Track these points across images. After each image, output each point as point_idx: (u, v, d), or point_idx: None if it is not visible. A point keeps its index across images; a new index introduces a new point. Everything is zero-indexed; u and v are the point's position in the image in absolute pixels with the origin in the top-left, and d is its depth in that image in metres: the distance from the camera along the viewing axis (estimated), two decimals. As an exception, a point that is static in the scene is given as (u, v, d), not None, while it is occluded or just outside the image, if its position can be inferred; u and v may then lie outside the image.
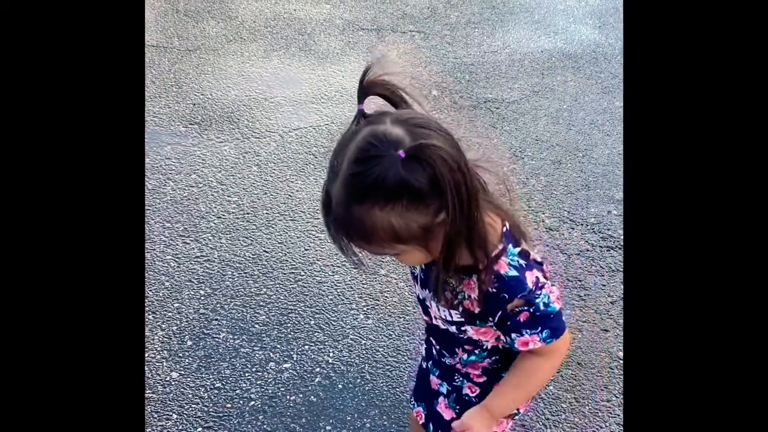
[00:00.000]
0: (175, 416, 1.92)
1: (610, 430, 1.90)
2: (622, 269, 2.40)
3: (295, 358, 2.10)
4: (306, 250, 2.48)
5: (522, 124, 3.18)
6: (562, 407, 1.96)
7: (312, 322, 2.21)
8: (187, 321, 2.20)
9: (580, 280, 2.36)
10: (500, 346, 1.26)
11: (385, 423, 1.91)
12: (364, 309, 2.26)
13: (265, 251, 2.48)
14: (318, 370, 2.06)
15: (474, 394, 1.35)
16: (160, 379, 2.01)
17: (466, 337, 1.24)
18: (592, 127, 3.17)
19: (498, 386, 1.28)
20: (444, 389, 1.39)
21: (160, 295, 2.28)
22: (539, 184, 2.81)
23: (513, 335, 1.15)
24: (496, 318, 1.14)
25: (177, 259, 2.43)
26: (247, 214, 2.64)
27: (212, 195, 2.73)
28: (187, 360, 2.08)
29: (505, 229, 1.12)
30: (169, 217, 2.61)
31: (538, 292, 1.11)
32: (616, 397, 1.98)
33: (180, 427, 1.89)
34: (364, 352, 2.11)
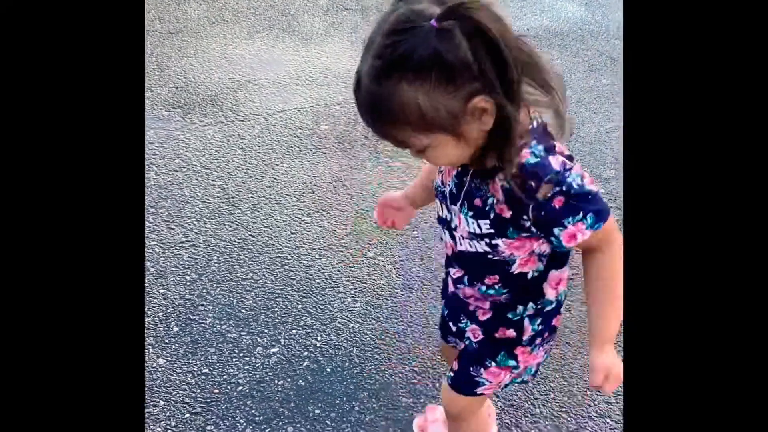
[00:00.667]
0: (162, 402, 1.90)
1: (598, 409, 1.90)
2: (609, 248, 2.39)
3: (282, 343, 2.08)
4: (292, 233, 2.46)
5: (508, 104, 3.16)
6: (550, 386, 1.96)
7: (299, 306, 2.20)
8: (173, 307, 2.18)
9: (568, 260, 2.35)
10: (528, 274, 1.20)
11: (374, 406, 1.90)
12: (352, 292, 2.24)
13: (251, 235, 2.45)
14: (306, 354, 2.05)
15: (476, 340, 1.35)
16: (147, 366, 1.99)
17: (496, 257, 1.17)
18: (578, 105, 3.15)
19: (593, 314, 1.13)
20: (453, 328, 1.41)
21: (146, 281, 2.26)
22: (526, 163, 2.79)
23: (556, 230, 1.06)
24: (531, 215, 1.06)
25: (162, 245, 2.40)
26: (232, 198, 2.62)
27: (196, 179, 2.70)
28: (173, 346, 2.06)
29: (533, 125, 1.05)
30: (153, 202, 2.58)
31: (568, 173, 1.03)
32: (605, 376, 1.98)
33: (167, 414, 1.88)
34: (352, 335, 2.10)
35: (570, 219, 1.05)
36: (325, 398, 1.93)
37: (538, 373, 1.46)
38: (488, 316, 1.32)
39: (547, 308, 1.30)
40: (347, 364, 2.02)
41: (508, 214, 1.09)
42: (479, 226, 1.14)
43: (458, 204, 1.16)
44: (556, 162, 1.03)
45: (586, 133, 2.97)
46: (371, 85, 0.95)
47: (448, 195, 1.20)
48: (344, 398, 1.93)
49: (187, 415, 1.88)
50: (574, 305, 2.19)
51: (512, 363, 1.35)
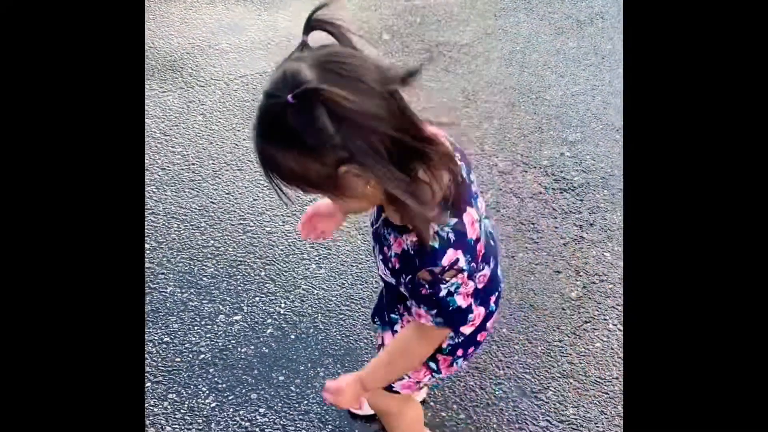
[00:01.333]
0: (122, 373, 1.87)
1: (561, 369, 1.90)
2: (574, 211, 2.39)
3: (245, 310, 2.05)
4: (254, 200, 2.42)
5: (474, 67, 3.12)
6: (514, 348, 1.96)
7: (262, 273, 2.16)
8: (132, 276, 2.13)
9: (533, 223, 2.35)
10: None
11: (339, 371, 1.89)
12: (316, 259, 2.21)
13: (212, 202, 2.40)
14: (269, 321, 2.02)
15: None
16: (106, 336, 1.95)
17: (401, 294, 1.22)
18: (545, 68, 3.13)
19: (373, 360, 1.27)
20: (386, 317, 1.39)
21: (104, 250, 2.20)
22: (492, 127, 2.77)
23: (413, 301, 1.13)
24: (407, 279, 1.09)
25: (120, 213, 2.34)
26: (193, 164, 2.56)
27: (156, 146, 2.63)
28: (133, 316, 2.02)
29: (448, 193, 1.03)
30: (111, 170, 2.51)
31: (447, 278, 1.05)
32: (568, 337, 1.98)
33: (127, 384, 1.84)
34: (317, 302, 2.08)
35: (424, 307, 1.11)
36: (289, 365, 1.91)
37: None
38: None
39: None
40: (312, 330, 2.00)
41: (397, 267, 1.11)
42: (386, 271, 1.15)
43: (377, 244, 1.18)
44: (448, 258, 1.03)
45: (552, 96, 2.95)
46: (256, 144, 0.95)
47: (372, 233, 1.21)
48: (309, 364, 1.91)
49: (149, 384, 1.85)
50: (537, 268, 2.19)
51: (433, 365, 1.33)
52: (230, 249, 2.24)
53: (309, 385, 1.86)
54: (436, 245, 1.03)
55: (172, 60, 3.10)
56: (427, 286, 1.07)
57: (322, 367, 1.90)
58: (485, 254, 1.16)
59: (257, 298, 2.09)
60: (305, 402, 1.82)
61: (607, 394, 1.86)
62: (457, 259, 1.04)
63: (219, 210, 2.37)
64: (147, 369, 1.88)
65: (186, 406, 1.81)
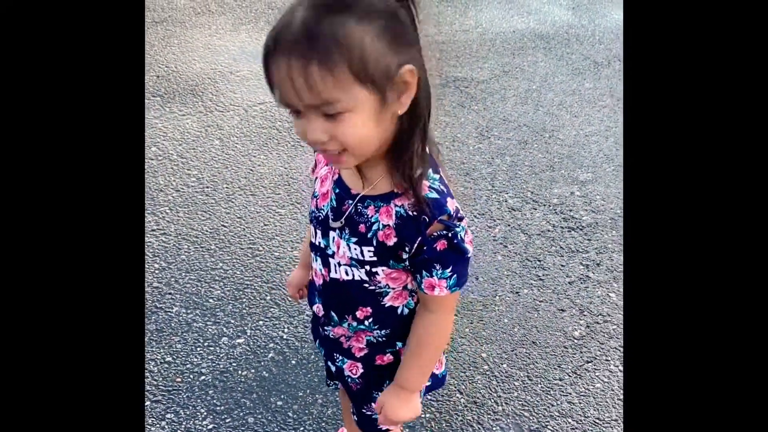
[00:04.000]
0: (123, 390, 1.89)
1: (560, 408, 1.89)
2: (581, 250, 2.39)
3: (248, 333, 2.07)
4: (265, 225, 2.45)
5: (490, 104, 3.16)
6: (514, 385, 1.95)
7: (268, 297, 2.18)
8: (139, 294, 2.16)
9: (539, 260, 2.35)
10: (398, 309, 1.18)
11: (337, 399, 1.89)
12: (321, 285, 2.23)
13: (223, 225, 2.44)
14: (271, 345, 2.04)
15: (356, 375, 1.28)
16: (110, 353, 1.98)
17: (371, 288, 1.14)
18: (560, 108, 3.16)
19: (403, 358, 1.21)
20: (333, 368, 1.33)
21: (114, 268, 2.24)
22: (504, 163, 2.79)
23: (423, 273, 1.07)
24: (413, 247, 1.05)
25: (132, 232, 2.38)
26: (207, 188, 2.60)
27: (172, 168, 2.68)
28: (138, 334, 2.04)
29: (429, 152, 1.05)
30: (126, 189, 2.56)
31: (458, 222, 1.04)
32: (569, 376, 1.98)
33: (127, 401, 1.86)
34: (319, 328, 2.09)
35: (438, 271, 1.06)
36: (288, 390, 1.92)
37: (444, 383, 1.40)
38: (365, 352, 1.25)
39: None
40: (312, 356, 2.01)
41: (392, 241, 1.07)
42: (362, 253, 1.10)
43: (338, 230, 1.13)
44: (452, 205, 1.04)
45: (566, 135, 2.97)
46: (311, 22, 0.88)
47: (323, 220, 1.16)
48: (307, 390, 1.92)
49: (148, 403, 1.87)
50: (542, 305, 2.19)
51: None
52: (238, 272, 2.26)
53: (306, 411, 1.87)
54: (437, 196, 1.02)
55: (193, 84, 3.17)
56: (445, 233, 1.03)
57: (321, 394, 1.91)
58: None
59: (261, 322, 2.10)
60: (302, 428, 1.83)
61: (605, 435, 1.84)
62: (458, 208, 1.04)
63: (230, 233, 2.41)
64: (147, 388, 1.90)
65: (183, 427, 1.82)
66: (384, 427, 1.31)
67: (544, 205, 2.59)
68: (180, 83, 3.18)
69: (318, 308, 1.25)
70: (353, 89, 0.91)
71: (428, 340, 1.17)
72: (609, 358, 2.03)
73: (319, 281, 1.22)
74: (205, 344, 2.03)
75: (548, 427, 1.86)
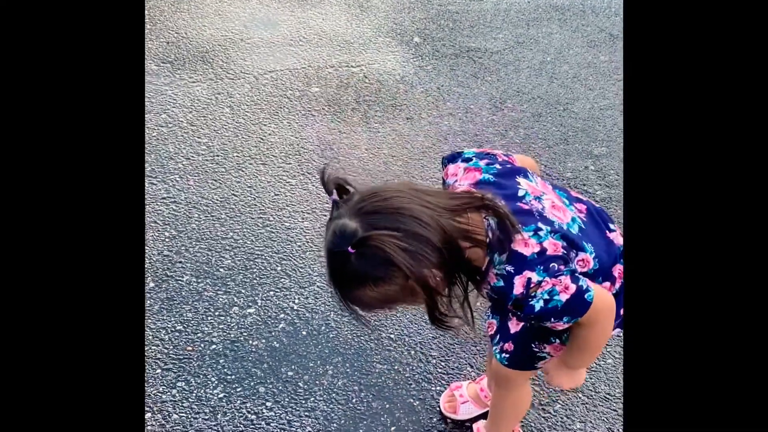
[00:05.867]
0: (134, 358, 1.89)
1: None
2: (595, 225, 2.37)
3: (259, 304, 2.06)
4: (276, 195, 2.43)
5: (504, 75, 3.11)
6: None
7: (278, 268, 2.17)
8: (150, 262, 2.16)
9: (552, 235, 2.33)
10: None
11: (348, 370, 1.89)
12: (332, 256, 2.21)
13: (233, 194, 2.42)
14: (282, 316, 2.03)
15: None
16: (120, 320, 1.98)
17: None
18: (574, 80, 3.11)
19: (567, 348, 1.36)
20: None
21: (124, 235, 2.23)
22: (517, 136, 2.76)
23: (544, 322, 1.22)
24: (512, 314, 1.28)
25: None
26: (217, 156, 2.58)
27: (182, 136, 2.66)
28: (148, 302, 2.04)
29: (489, 238, 1.15)
30: (136, 156, 2.54)
31: (533, 294, 1.14)
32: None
33: (138, 369, 1.86)
34: (330, 299, 2.08)
35: (545, 321, 1.20)
36: (299, 361, 1.92)
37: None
38: None
39: None
40: (323, 327, 2.00)
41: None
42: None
43: None
44: (519, 284, 1.14)
45: (580, 109, 2.93)
46: (336, 294, 1.14)
47: None
48: (318, 362, 1.92)
49: (159, 371, 1.87)
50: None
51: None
52: (248, 242, 2.25)
53: (317, 382, 1.87)
54: (502, 284, 1.15)
55: (203, 51, 3.13)
56: (521, 313, 1.19)
57: (331, 365, 1.91)
58: (574, 242, 1.22)
59: (272, 293, 2.10)
60: (312, 399, 1.83)
61: (615, 411, 1.84)
62: (529, 279, 1.14)
63: (240, 203, 2.39)
64: (158, 356, 1.90)
65: (194, 395, 1.82)
66: (539, 364, 1.45)
67: (558, 179, 2.56)
68: (190, 50, 3.14)
69: None
70: (395, 305, 1.19)
71: (585, 348, 1.31)
72: (621, 334, 2.02)
73: None
74: (216, 313, 2.03)
75: (558, 401, 1.85)
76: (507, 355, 1.45)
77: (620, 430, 1.80)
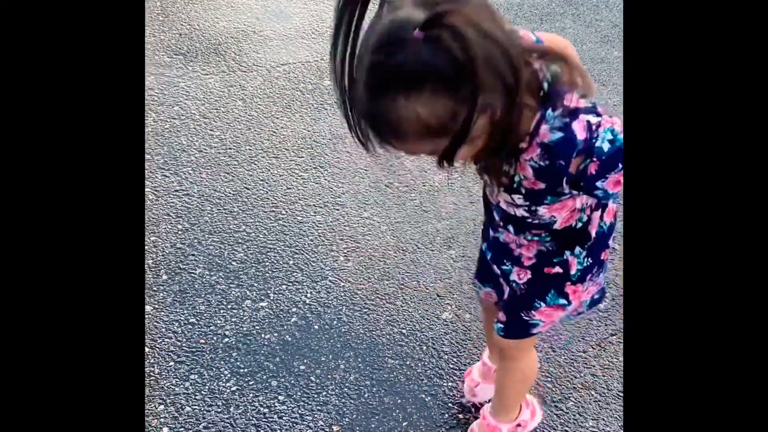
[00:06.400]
0: (147, 350, 1.89)
1: (583, 380, 1.89)
2: (608, 222, 2.36)
3: (271, 297, 2.06)
4: (288, 188, 2.43)
5: (516, 70, 3.10)
6: (537, 356, 1.94)
7: (291, 261, 2.18)
8: (163, 255, 2.16)
9: (565, 231, 2.33)
10: (572, 224, 1.20)
11: (360, 365, 1.89)
12: (344, 251, 2.22)
13: (246, 188, 2.42)
14: (294, 310, 2.03)
15: (522, 281, 1.34)
16: (134, 313, 1.98)
17: (536, 220, 1.18)
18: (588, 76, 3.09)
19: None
20: (497, 271, 1.39)
21: (137, 227, 2.23)
22: (530, 132, 2.75)
23: (599, 184, 1.04)
24: (567, 185, 1.07)
25: (155, 192, 2.37)
26: (230, 149, 2.58)
27: (194, 128, 2.66)
28: (161, 294, 2.05)
29: (541, 93, 1.01)
30: (149, 149, 2.54)
31: (596, 135, 1.01)
32: (593, 349, 1.96)
33: (152, 361, 1.87)
34: (342, 294, 2.08)
35: (611, 172, 1.03)
36: (311, 355, 1.92)
37: (604, 299, 1.45)
38: (533, 261, 1.31)
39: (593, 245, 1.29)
40: (335, 322, 2.01)
41: (541, 185, 1.09)
42: (513, 200, 1.15)
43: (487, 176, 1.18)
44: (580, 130, 1.01)
45: (593, 104, 2.91)
46: (368, 103, 0.92)
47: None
48: (330, 356, 1.92)
49: (171, 363, 1.88)
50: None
51: (563, 301, 1.34)
52: (261, 235, 2.25)
53: (329, 376, 1.87)
54: (560, 135, 1.01)
55: (216, 43, 3.13)
56: (589, 162, 1.02)
57: (343, 360, 1.91)
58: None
59: (284, 286, 2.10)
60: (324, 393, 1.83)
61: (628, 409, 1.83)
62: (588, 121, 1.01)
63: (253, 196, 2.39)
64: (171, 348, 1.91)
65: (207, 388, 1.83)
66: (534, 331, 1.39)
67: (571, 176, 2.55)
68: (203, 42, 3.13)
69: (499, 220, 1.28)
70: (430, 143, 0.95)
71: None
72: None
73: (493, 201, 1.27)
74: (229, 306, 2.03)
75: (571, 399, 1.85)
76: (501, 326, 1.43)
77: (632, 428, 1.80)
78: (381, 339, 1.97)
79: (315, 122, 2.72)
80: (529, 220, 1.19)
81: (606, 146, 1.01)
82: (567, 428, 1.79)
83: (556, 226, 1.20)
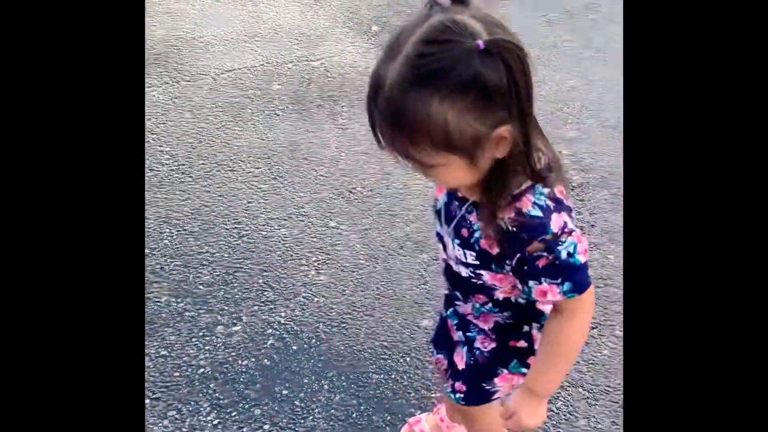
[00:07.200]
0: (118, 389, 1.79)
1: (570, 378, 1.87)
2: (574, 212, 2.36)
3: (244, 320, 1.98)
4: (249, 202, 2.34)
5: (467, 61, 3.06)
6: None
7: (260, 280, 2.09)
8: (124, 285, 2.05)
9: (534, 225, 2.31)
10: (513, 299, 1.19)
11: (344, 384, 1.84)
12: (315, 264, 2.15)
13: (204, 205, 2.32)
14: (270, 331, 1.96)
15: (486, 350, 1.30)
16: (100, 350, 1.88)
17: (480, 282, 1.17)
18: (538, 63, 3.06)
19: (534, 361, 1.22)
20: (462, 337, 1.33)
21: (93, 258, 2.12)
22: (488, 124, 2.72)
23: (530, 282, 1.07)
24: (514, 261, 1.06)
25: (109, 218, 2.26)
26: (182, 165, 2.47)
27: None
28: (127, 328, 1.94)
29: (538, 167, 1.02)
30: (96, 171, 2.41)
31: (563, 239, 1.02)
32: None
33: (125, 401, 1.77)
34: (318, 310, 2.02)
35: (547, 279, 1.06)
36: (292, 378, 1.85)
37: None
38: (494, 335, 1.28)
39: None
40: (314, 341, 1.94)
41: (495, 250, 1.09)
42: (465, 255, 1.14)
43: (449, 227, 1.16)
44: (556, 223, 1.02)
45: (547, 92, 2.90)
46: (397, 93, 0.89)
47: (437, 211, 1.20)
48: (312, 377, 1.85)
49: (147, 401, 1.78)
50: (544, 272, 2.15)
51: (524, 370, 1.29)
52: (226, 255, 2.16)
53: (314, 398, 1.80)
54: (540, 214, 1.01)
55: (155, 53, 3.00)
56: (545, 253, 1.03)
57: (327, 380, 1.85)
58: None
59: (256, 307, 2.02)
60: (311, 417, 1.77)
61: (616, 403, 1.83)
62: (565, 222, 1.03)
63: (212, 213, 2.29)
64: (145, 385, 1.81)
65: (187, 424, 1.74)
66: (494, 397, 1.34)
67: (533, 167, 2.53)
68: (141, 52, 3.00)
69: (449, 287, 1.29)
70: (437, 155, 0.93)
71: (558, 350, 1.16)
72: (614, 323, 2.01)
73: (443, 266, 1.26)
74: (200, 334, 1.94)
75: (560, 398, 1.83)
76: (461, 395, 1.37)
77: (623, 423, 1.79)
78: (363, 354, 1.91)
79: (269, 130, 2.63)
80: (474, 281, 1.18)
81: (564, 254, 1.03)
82: (560, 429, 1.77)
83: (498, 295, 1.20)
